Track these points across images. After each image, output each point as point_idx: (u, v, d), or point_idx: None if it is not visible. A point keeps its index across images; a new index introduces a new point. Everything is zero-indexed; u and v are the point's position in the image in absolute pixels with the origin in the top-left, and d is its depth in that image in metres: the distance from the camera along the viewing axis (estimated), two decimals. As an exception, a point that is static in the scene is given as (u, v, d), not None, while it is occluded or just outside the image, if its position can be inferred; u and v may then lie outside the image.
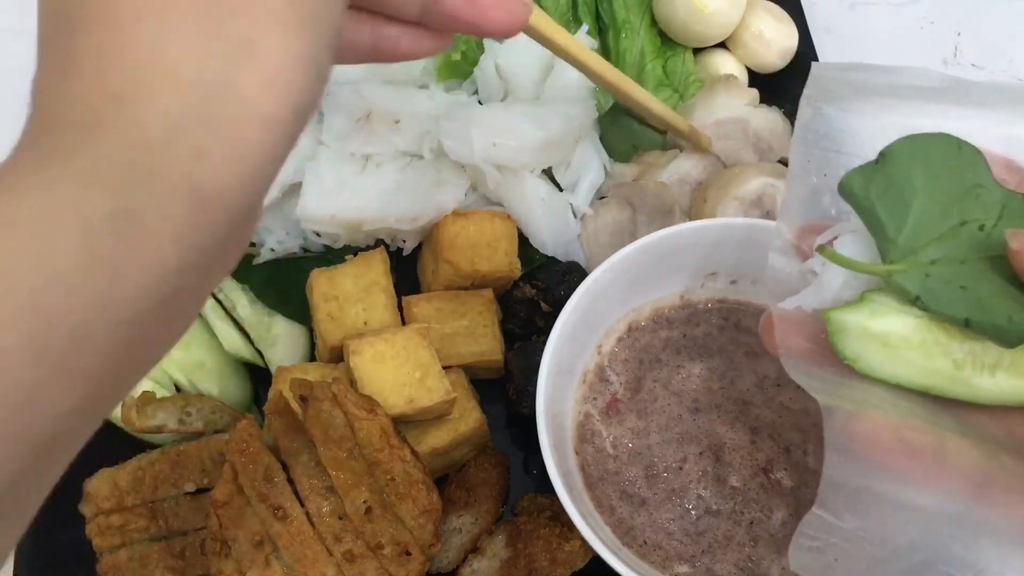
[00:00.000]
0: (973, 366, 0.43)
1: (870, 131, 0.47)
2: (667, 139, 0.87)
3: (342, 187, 0.79)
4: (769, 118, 0.86)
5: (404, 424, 0.69)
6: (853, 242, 0.46)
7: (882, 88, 0.48)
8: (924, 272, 0.43)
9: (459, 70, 0.86)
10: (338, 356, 0.76)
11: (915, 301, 0.43)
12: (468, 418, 0.73)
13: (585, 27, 0.87)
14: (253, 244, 0.83)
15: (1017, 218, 0.44)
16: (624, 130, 0.86)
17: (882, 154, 0.44)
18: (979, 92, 0.48)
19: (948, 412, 0.43)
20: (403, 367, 0.69)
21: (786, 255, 0.49)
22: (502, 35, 0.48)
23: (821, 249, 0.46)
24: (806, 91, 0.48)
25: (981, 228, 0.44)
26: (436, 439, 0.72)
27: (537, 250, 0.82)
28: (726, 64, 0.91)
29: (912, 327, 0.43)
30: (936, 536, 0.40)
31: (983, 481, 0.40)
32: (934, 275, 0.43)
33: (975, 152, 0.45)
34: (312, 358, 0.80)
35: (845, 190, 0.45)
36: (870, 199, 0.44)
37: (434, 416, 0.71)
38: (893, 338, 0.43)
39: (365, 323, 0.75)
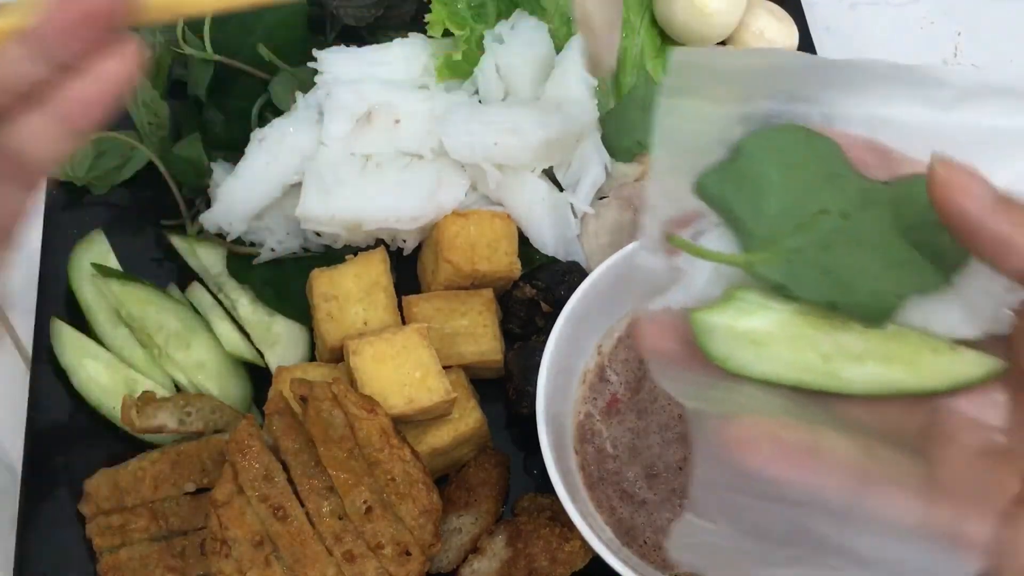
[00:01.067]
0: (841, 357, 0.42)
1: (733, 119, 0.46)
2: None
3: (342, 187, 0.79)
4: None
5: (404, 424, 0.69)
6: (720, 236, 0.45)
7: (746, 75, 0.47)
8: (786, 259, 0.42)
9: (459, 70, 0.86)
10: (338, 356, 0.76)
11: (780, 289, 0.42)
12: (468, 418, 0.73)
13: (585, 27, 0.87)
14: (253, 244, 0.83)
15: (879, 206, 0.43)
16: (627, 129, 0.86)
17: (734, 149, 0.43)
18: (843, 73, 0.47)
19: (822, 407, 0.42)
20: (403, 367, 0.70)
21: (653, 252, 0.46)
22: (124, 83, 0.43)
23: (672, 238, 0.44)
24: (666, 81, 0.46)
25: (844, 216, 0.43)
26: (436, 439, 0.72)
27: (537, 250, 0.82)
28: (726, 64, 0.91)
29: (779, 322, 0.42)
30: (812, 531, 0.40)
31: (860, 474, 0.39)
32: (796, 262, 0.42)
33: (827, 141, 0.44)
34: (312, 358, 0.80)
35: (700, 190, 0.44)
36: (726, 196, 0.43)
37: (434, 416, 0.71)
38: (760, 335, 0.42)
39: (365, 323, 0.75)
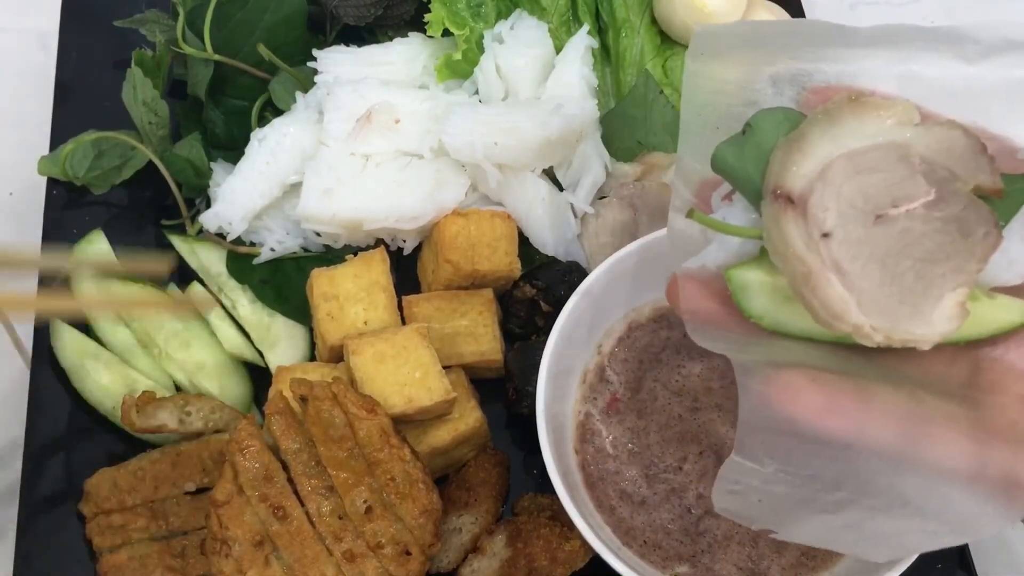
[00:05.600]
0: None
1: (762, 79, 0.46)
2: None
3: (342, 187, 0.79)
4: (941, 136, 0.51)
5: (404, 424, 0.69)
6: None
7: (770, 38, 0.48)
8: None
9: (459, 70, 0.86)
10: (338, 356, 0.76)
11: None
12: (468, 418, 0.73)
13: (585, 27, 0.87)
14: (253, 244, 0.83)
15: None
16: (627, 129, 0.86)
17: (748, 125, 0.44)
18: (868, 35, 0.47)
19: (862, 358, 0.42)
20: (403, 367, 0.70)
21: (685, 215, 0.47)
22: None
23: (691, 214, 0.44)
24: (691, 46, 0.47)
25: None
26: (436, 439, 0.72)
27: (537, 250, 0.82)
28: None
29: None
30: (860, 472, 0.40)
31: (910, 419, 0.40)
32: None
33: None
34: (312, 358, 0.80)
35: (718, 164, 0.44)
36: (745, 167, 0.43)
37: (434, 416, 0.71)
38: None
39: (365, 323, 0.75)
